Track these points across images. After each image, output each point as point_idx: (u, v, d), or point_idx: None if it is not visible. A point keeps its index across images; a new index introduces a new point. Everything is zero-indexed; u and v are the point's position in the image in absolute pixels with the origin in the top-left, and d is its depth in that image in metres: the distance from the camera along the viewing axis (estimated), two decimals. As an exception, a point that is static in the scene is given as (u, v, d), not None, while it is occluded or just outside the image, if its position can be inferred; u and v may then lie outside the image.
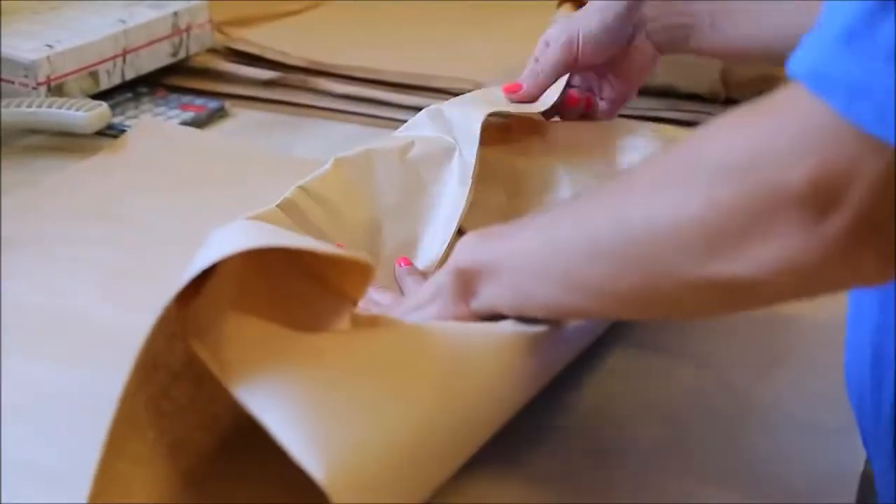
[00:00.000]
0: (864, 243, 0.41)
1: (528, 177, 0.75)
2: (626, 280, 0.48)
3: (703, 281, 0.45)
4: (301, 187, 0.69)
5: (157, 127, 0.97)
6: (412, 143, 0.74)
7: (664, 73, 0.96)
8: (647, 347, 0.67)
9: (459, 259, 0.56)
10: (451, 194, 0.72)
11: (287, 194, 0.68)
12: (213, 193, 0.85)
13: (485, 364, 0.51)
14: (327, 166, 0.71)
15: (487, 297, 0.55)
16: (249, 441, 0.52)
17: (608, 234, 0.49)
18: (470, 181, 0.71)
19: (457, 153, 0.73)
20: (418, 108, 1.01)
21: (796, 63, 0.42)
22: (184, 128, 0.98)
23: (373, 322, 0.50)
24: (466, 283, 0.55)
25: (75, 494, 0.48)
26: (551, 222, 0.54)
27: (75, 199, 0.84)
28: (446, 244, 0.70)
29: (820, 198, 0.41)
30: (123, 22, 1.03)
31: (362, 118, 1.02)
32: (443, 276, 0.57)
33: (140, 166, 0.90)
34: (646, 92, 0.99)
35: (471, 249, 0.56)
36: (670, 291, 0.48)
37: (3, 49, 0.96)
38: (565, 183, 0.74)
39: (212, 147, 0.94)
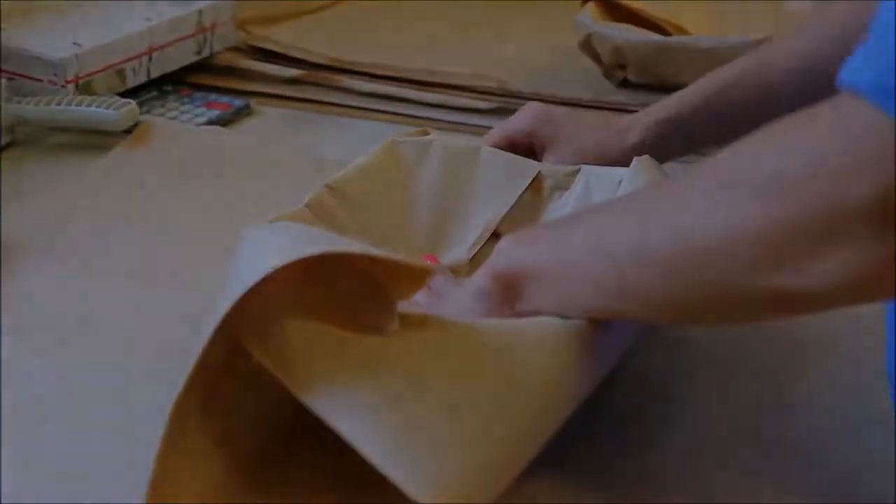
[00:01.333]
0: None
1: (548, 174, 0.75)
2: (678, 290, 0.48)
3: (760, 292, 0.45)
4: (328, 186, 0.70)
5: (176, 128, 0.97)
6: (435, 140, 0.76)
7: (686, 70, 0.97)
8: (681, 342, 0.67)
9: (500, 263, 0.56)
10: (490, 195, 0.73)
11: (314, 193, 0.69)
12: (236, 191, 0.85)
13: (546, 360, 0.51)
14: (354, 163, 0.73)
15: (533, 300, 0.54)
16: (296, 444, 0.52)
17: (659, 243, 0.48)
18: (523, 187, 0.73)
19: (487, 152, 0.74)
20: (441, 106, 1.03)
21: (852, 74, 0.42)
22: (207, 128, 0.98)
23: (423, 322, 0.50)
24: (509, 287, 0.55)
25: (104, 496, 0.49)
26: (595, 228, 0.53)
27: (102, 196, 0.85)
28: (480, 245, 0.71)
29: (885, 211, 0.40)
30: (149, 20, 1.04)
31: (386, 115, 1.03)
32: (483, 281, 0.56)
33: (165, 165, 0.90)
34: (668, 89, 1.00)
35: (511, 254, 0.56)
36: (724, 302, 0.48)
37: (31, 47, 0.97)
38: (581, 181, 0.74)
39: (235, 146, 0.94)
